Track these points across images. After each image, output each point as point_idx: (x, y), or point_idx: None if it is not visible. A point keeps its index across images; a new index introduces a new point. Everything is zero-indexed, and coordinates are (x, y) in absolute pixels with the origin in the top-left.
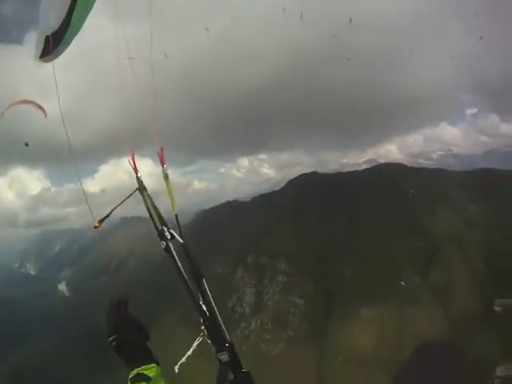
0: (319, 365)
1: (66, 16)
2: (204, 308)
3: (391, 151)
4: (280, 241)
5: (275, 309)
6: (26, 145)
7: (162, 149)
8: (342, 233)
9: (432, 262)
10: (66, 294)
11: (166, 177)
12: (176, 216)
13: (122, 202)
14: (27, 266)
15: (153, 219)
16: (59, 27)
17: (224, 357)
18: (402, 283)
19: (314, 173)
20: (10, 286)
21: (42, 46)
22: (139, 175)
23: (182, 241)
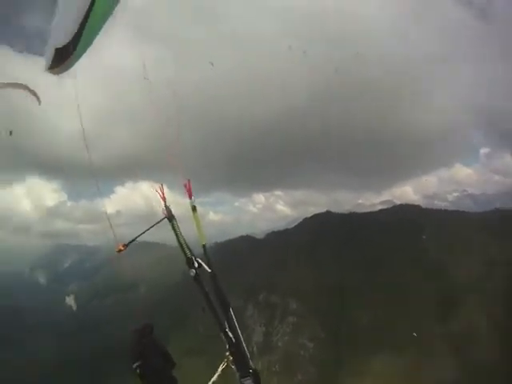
0: None
1: (78, 30)
2: (230, 335)
3: (407, 192)
4: (292, 280)
5: (284, 350)
6: (10, 134)
7: (189, 181)
8: (356, 275)
9: (449, 308)
10: (74, 308)
11: (193, 208)
12: (204, 246)
13: (149, 229)
14: (37, 275)
15: (182, 247)
16: (70, 40)
17: (248, 382)
18: (415, 334)
19: (328, 212)
20: (17, 293)
21: (51, 58)
22: (168, 205)
23: (209, 270)
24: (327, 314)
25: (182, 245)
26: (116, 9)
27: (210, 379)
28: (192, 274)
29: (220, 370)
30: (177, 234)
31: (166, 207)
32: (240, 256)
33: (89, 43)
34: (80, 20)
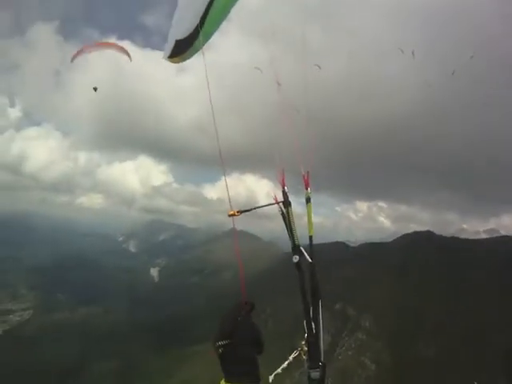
0: None
1: (199, 24)
2: (313, 325)
3: None
4: (374, 296)
5: (343, 365)
6: (95, 89)
7: (308, 172)
8: (440, 305)
9: None
10: (156, 279)
11: (308, 200)
12: (310, 237)
13: (265, 206)
14: (130, 243)
15: (293, 234)
16: (190, 33)
17: (315, 374)
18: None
19: (429, 232)
20: (107, 255)
21: (171, 48)
22: (286, 190)
23: (310, 260)
24: (398, 339)
25: (292, 232)
26: (233, 7)
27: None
28: (295, 260)
29: (291, 357)
30: (290, 221)
31: (284, 192)
32: (329, 261)
33: (208, 37)
34: (201, 14)
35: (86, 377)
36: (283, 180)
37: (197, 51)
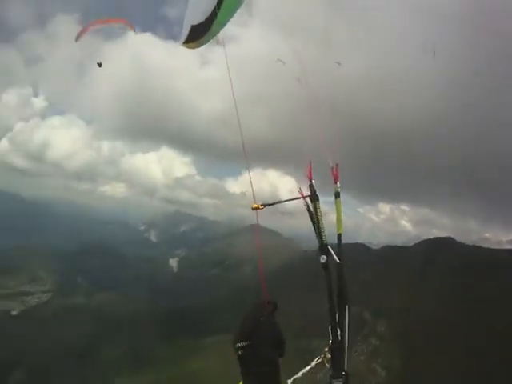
0: None
1: (214, 9)
2: (338, 331)
3: None
4: (391, 302)
5: (353, 369)
6: (99, 65)
7: (337, 165)
8: (456, 315)
9: None
10: (175, 270)
11: (337, 195)
12: (339, 235)
13: (290, 200)
14: (151, 233)
15: (320, 232)
16: (207, 18)
17: None
18: None
19: (450, 239)
20: (127, 244)
21: (187, 34)
22: (313, 183)
23: (338, 261)
24: (412, 347)
25: (320, 229)
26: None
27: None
28: (323, 260)
29: (313, 364)
30: (317, 218)
31: (312, 186)
32: (349, 262)
33: (223, 23)
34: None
35: (96, 361)
36: (310, 172)
37: (214, 36)
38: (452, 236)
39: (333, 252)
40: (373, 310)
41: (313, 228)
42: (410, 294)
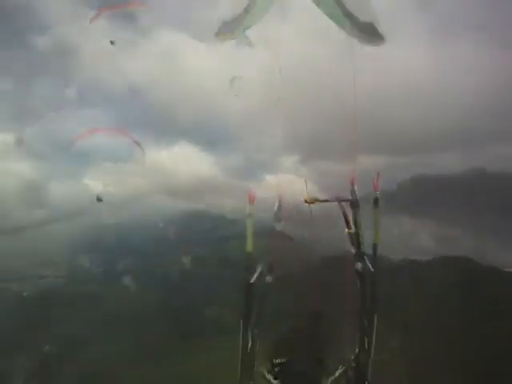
0: None
1: (247, 6)
2: (366, 341)
3: None
4: (406, 315)
5: None
6: (112, 43)
7: (378, 174)
8: (475, 333)
9: None
10: (187, 266)
11: (375, 203)
12: (375, 245)
13: (336, 201)
14: (170, 230)
15: (358, 239)
16: (240, 13)
17: None
18: None
19: (467, 258)
20: (143, 239)
21: (219, 27)
22: (355, 188)
23: (372, 270)
24: (421, 365)
25: (358, 236)
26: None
27: None
28: (358, 267)
29: (337, 373)
30: (357, 225)
31: (353, 191)
32: (381, 272)
33: (256, 19)
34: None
35: (100, 352)
36: (353, 179)
37: (245, 30)
38: (474, 255)
39: (367, 261)
40: (385, 323)
41: (347, 233)
42: (426, 309)
